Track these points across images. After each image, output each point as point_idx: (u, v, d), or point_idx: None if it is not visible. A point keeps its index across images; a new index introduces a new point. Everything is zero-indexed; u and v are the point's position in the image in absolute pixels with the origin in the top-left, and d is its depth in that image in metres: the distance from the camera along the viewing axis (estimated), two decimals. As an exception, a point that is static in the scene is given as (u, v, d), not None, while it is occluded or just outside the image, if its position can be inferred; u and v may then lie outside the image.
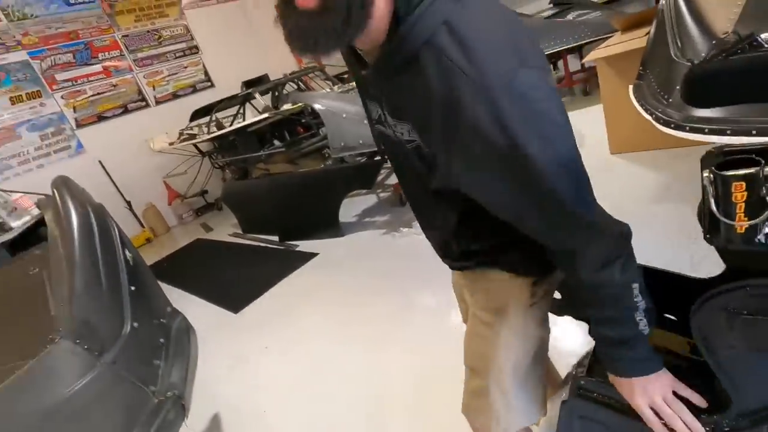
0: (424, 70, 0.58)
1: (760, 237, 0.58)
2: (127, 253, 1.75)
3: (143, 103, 6.07)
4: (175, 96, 6.35)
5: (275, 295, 3.12)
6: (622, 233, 0.67)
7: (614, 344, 0.73)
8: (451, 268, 0.98)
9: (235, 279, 3.65)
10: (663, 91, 0.94)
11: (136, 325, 1.50)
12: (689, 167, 2.57)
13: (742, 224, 0.59)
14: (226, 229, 5.05)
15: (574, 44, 4.44)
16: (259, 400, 2.07)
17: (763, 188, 0.56)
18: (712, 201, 0.61)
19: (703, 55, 0.94)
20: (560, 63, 4.97)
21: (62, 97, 5.43)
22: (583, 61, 3.22)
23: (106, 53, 5.77)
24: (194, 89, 6.52)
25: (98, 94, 5.69)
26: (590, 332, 0.78)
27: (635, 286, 0.69)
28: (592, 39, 4.31)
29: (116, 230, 1.83)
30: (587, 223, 0.65)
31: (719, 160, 0.63)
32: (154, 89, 6.17)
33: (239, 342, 2.64)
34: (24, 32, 5.18)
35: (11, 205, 2.48)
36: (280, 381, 2.17)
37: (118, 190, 5.74)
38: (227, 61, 6.59)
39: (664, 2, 1.36)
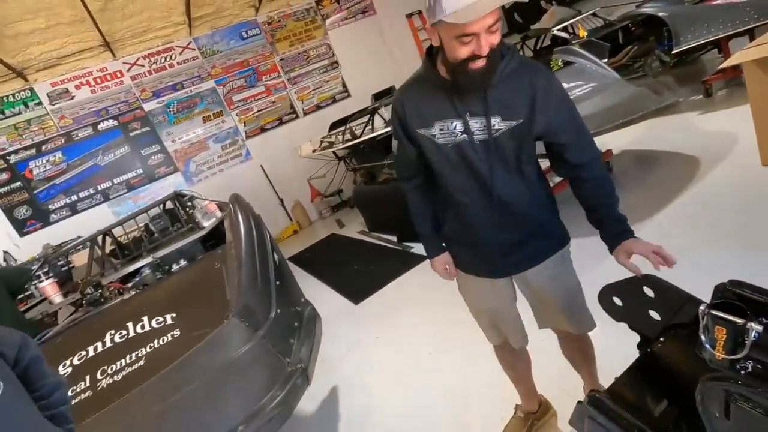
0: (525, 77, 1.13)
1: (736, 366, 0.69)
2: (275, 255, 2.32)
3: (294, 115, 7.16)
4: (318, 107, 7.32)
5: (390, 291, 3.54)
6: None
7: (621, 220, 1.20)
8: (527, 264, 1.31)
9: (358, 273, 4.21)
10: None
11: (279, 311, 2.02)
12: None
13: (719, 355, 0.71)
14: (355, 226, 5.72)
15: (737, 30, 3.81)
16: (368, 380, 2.49)
17: (743, 336, 0.67)
18: (701, 329, 0.73)
19: None
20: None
21: (237, 115, 6.77)
22: (724, 65, 2.80)
23: (268, 75, 6.97)
24: (334, 100, 7.41)
25: (261, 110, 6.93)
26: (604, 219, 1.21)
27: None
28: (760, 23, 3.65)
29: (269, 236, 2.42)
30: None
31: (716, 300, 0.73)
32: (302, 102, 7.22)
33: (356, 329, 3.13)
34: (213, 65, 6.61)
35: (204, 209, 3.37)
36: (386, 367, 2.56)
37: (274, 190, 6.92)
38: (362, 74, 7.31)
39: None
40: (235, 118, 6.77)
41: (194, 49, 6.48)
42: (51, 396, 1.00)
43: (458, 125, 1.16)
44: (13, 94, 5.62)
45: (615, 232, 1.20)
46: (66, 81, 5.79)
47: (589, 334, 1.45)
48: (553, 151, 1.23)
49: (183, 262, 2.76)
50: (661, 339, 0.98)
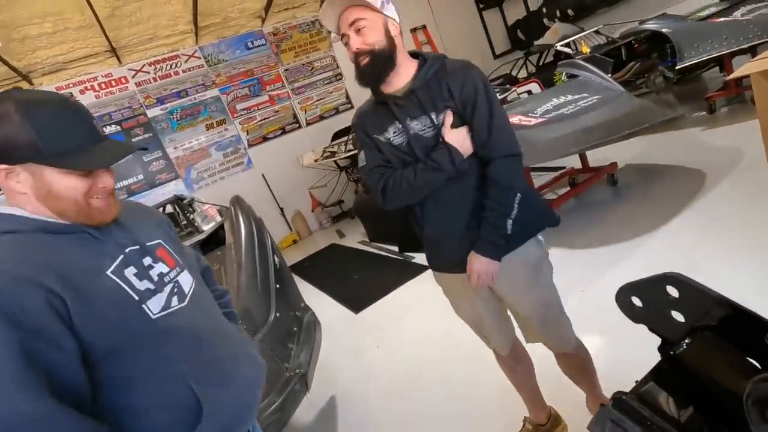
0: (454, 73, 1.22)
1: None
2: (275, 258, 2.27)
3: (297, 125, 7.18)
4: (321, 117, 7.34)
5: (391, 300, 3.48)
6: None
7: (493, 230, 1.21)
8: (494, 254, 1.26)
9: (358, 282, 4.14)
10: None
11: (278, 314, 1.97)
12: None
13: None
14: (356, 237, 5.67)
15: (740, 47, 3.84)
16: (368, 389, 2.41)
17: None
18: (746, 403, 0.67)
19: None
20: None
21: (240, 123, 6.79)
22: (732, 76, 2.81)
23: (272, 85, 7.01)
24: (337, 111, 7.44)
25: (264, 119, 6.95)
26: (488, 221, 1.21)
27: (519, 195, 1.21)
28: (763, 40, 3.68)
29: (269, 239, 2.38)
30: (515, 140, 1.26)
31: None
32: (305, 113, 7.25)
33: (356, 338, 3.06)
34: (217, 74, 6.65)
35: (203, 213, 3.33)
36: (386, 376, 2.49)
37: (275, 198, 6.89)
38: (365, 85, 7.35)
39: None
40: (238, 127, 6.78)
41: (200, 58, 6.53)
42: (223, 297, 1.13)
43: (404, 128, 1.25)
44: (18, 98, 5.62)
45: (481, 237, 1.23)
46: (71, 86, 5.81)
47: (599, 338, 1.40)
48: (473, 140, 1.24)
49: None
50: (686, 341, 0.92)
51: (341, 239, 6.04)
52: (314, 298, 4.03)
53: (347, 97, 7.49)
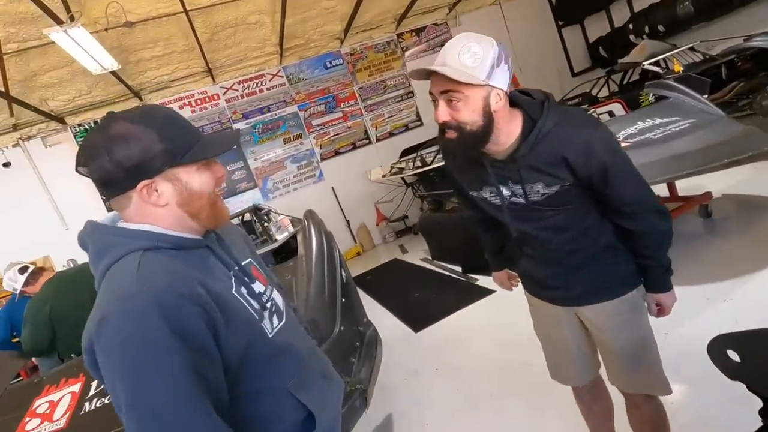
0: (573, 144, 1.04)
1: None
2: (343, 272, 2.35)
3: (367, 141, 7.40)
4: (391, 134, 7.50)
5: (452, 322, 3.42)
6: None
7: (666, 270, 1.20)
8: (578, 301, 1.26)
9: (419, 300, 4.13)
10: None
11: (342, 328, 2.03)
12: None
13: None
14: (418, 254, 5.67)
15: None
16: (424, 414, 2.38)
17: None
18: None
19: None
20: None
21: (314, 138, 7.15)
22: None
23: (346, 102, 7.32)
24: (407, 128, 7.56)
25: (337, 134, 7.25)
26: (653, 265, 1.19)
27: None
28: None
29: (338, 253, 2.47)
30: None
31: None
32: (376, 129, 7.45)
33: (415, 358, 3.04)
34: (297, 92, 7.09)
35: (278, 223, 3.54)
36: (443, 403, 2.44)
37: (342, 211, 7.12)
38: (436, 103, 7.41)
39: None
40: (313, 141, 7.15)
41: (282, 77, 7.01)
42: (296, 312, 1.14)
43: (499, 192, 1.17)
44: (129, 112, 6.42)
45: (661, 278, 1.22)
46: (172, 102, 6.52)
47: (682, 391, 1.28)
48: (599, 201, 1.16)
49: (255, 272, 2.89)
50: (794, 409, 0.82)
51: (404, 255, 6.07)
52: (374, 311, 4.08)
53: (417, 114, 7.60)
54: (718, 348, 0.96)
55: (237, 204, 6.52)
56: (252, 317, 0.82)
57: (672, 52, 5.03)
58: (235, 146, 0.88)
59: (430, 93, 1.03)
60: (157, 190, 0.77)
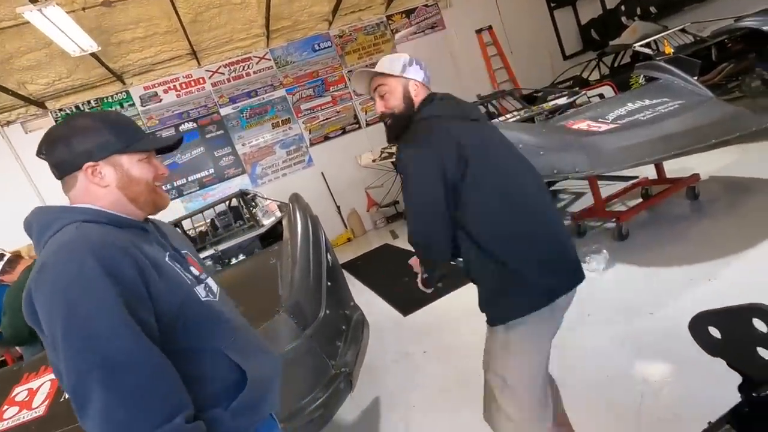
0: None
1: None
2: (329, 256, 2.32)
3: (357, 125, 7.31)
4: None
5: (441, 306, 3.42)
6: None
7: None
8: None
9: (409, 285, 4.11)
10: None
11: (328, 312, 2.01)
12: None
13: None
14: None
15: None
16: (412, 395, 2.39)
17: None
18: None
19: None
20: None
21: (303, 123, 7.04)
22: None
23: (336, 86, 7.19)
24: (397, 112, 7.46)
25: (327, 119, 7.15)
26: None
27: None
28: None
29: (324, 237, 2.43)
30: None
31: None
32: (366, 113, 7.35)
33: (404, 341, 3.05)
34: (285, 75, 6.95)
35: (265, 208, 3.49)
36: (432, 384, 2.45)
37: (332, 197, 7.06)
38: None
39: None
40: (302, 126, 7.04)
41: (270, 60, 6.86)
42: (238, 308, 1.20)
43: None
44: (112, 96, 6.24)
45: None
46: (156, 85, 6.35)
47: (667, 369, 1.27)
48: None
49: (241, 257, 2.85)
50: (773, 384, 0.81)
51: (394, 240, 6.05)
52: (364, 296, 4.07)
53: (408, 98, 7.50)
54: (699, 325, 0.95)
55: (225, 191, 6.43)
56: (185, 281, 0.91)
57: (663, 34, 4.99)
58: (170, 143, 0.99)
59: (371, 95, 1.41)
60: (101, 173, 0.89)
